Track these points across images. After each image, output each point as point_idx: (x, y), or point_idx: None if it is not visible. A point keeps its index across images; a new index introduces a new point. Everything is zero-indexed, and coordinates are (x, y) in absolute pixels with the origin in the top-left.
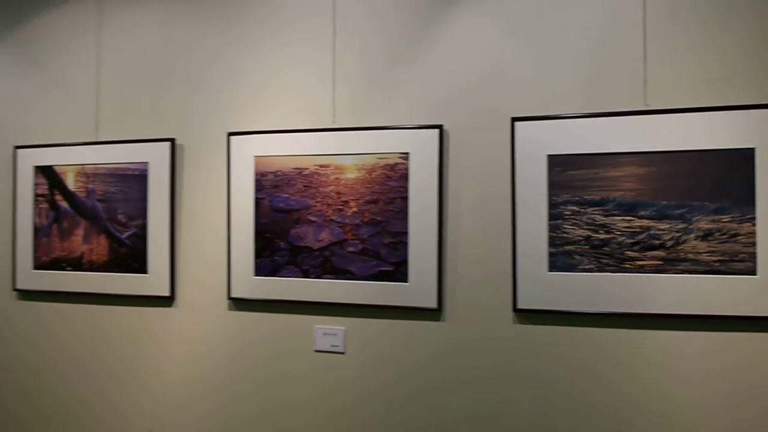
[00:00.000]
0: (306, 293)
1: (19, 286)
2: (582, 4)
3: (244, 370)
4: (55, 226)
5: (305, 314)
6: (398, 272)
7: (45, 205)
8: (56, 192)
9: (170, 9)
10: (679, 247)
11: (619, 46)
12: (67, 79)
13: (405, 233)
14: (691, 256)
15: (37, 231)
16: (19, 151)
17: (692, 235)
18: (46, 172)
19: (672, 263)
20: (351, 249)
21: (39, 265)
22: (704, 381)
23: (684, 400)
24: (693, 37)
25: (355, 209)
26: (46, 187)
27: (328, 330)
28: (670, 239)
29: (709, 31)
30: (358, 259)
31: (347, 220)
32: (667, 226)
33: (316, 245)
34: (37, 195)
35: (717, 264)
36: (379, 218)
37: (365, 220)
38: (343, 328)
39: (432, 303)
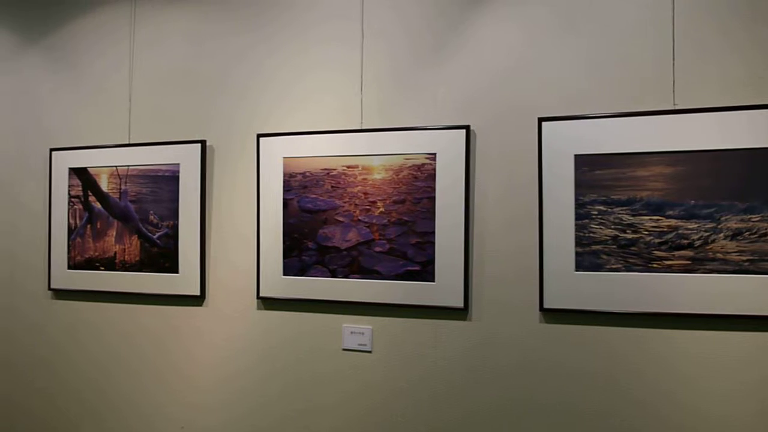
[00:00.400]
0: (334, 293)
1: (54, 285)
2: (609, 3)
3: (273, 367)
4: (88, 226)
5: (333, 313)
6: (425, 272)
7: (79, 206)
8: (90, 193)
9: (202, 10)
10: (708, 247)
11: (647, 45)
12: (101, 83)
13: (432, 233)
14: (720, 255)
15: (72, 231)
16: (54, 153)
17: (721, 235)
18: (80, 173)
19: (700, 263)
20: (378, 249)
21: (73, 265)
22: (732, 380)
23: (712, 398)
24: (721, 36)
25: (382, 209)
26: (80, 188)
27: (356, 329)
28: (698, 239)
29: (737, 30)
30: (386, 259)
31: (374, 221)
32: (696, 225)
33: (344, 245)
34: (71, 196)
35: (746, 263)
36: (406, 218)
37: (392, 220)
38: (370, 327)
39: (458, 302)
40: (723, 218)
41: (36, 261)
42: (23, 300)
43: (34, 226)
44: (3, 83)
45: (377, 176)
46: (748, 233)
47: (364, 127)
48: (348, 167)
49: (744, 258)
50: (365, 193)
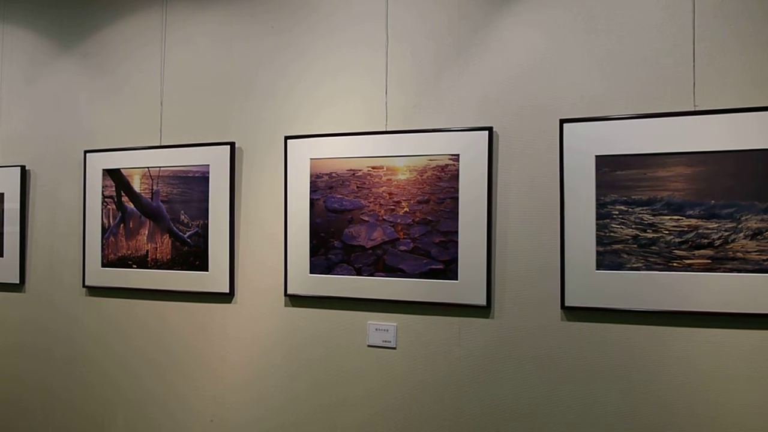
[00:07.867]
0: (359, 290)
1: (88, 282)
2: (630, 6)
3: (301, 363)
4: (121, 225)
5: (358, 311)
6: (448, 270)
7: (112, 206)
8: (123, 193)
9: (229, 15)
10: (728, 246)
11: (668, 47)
12: (134, 87)
13: (455, 232)
14: (739, 255)
15: (105, 230)
16: (89, 154)
17: (741, 234)
18: (113, 174)
19: (720, 262)
20: (403, 248)
21: (107, 263)
22: (753, 378)
23: (731, 397)
24: (741, 38)
25: (406, 209)
26: (113, 189)
27: (380, 326)
28: (718, 238)
29: (757, 31)
30: (410, 258)
31: (399, 220)
32: (716, 225)
33: (369, 244)
34: (105, 196)
35: (766, 263)
36: (430, 218)
37: (416, 219)
38: (394, 324)
39: (481, 300)
40: (743, 218)
41: (73, 257)
42: (61, 293)
43: (71, 224)
44: (41, 88)
45: (402, 177)
46: (767, 232)
47: (388, 129)
48: (373, 168)
49: (764, 257)
50: (390, 194)
